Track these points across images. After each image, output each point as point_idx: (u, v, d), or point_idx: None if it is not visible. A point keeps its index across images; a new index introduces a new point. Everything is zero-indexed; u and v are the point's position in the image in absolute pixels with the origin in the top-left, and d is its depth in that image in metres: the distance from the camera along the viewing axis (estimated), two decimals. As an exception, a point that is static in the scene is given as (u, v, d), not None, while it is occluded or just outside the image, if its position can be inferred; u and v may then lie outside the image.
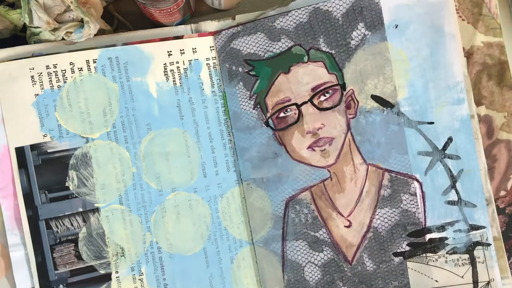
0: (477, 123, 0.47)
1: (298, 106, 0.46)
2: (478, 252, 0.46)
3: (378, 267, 0.46)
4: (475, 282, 0.46)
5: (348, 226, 0.46)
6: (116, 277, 0.46)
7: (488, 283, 0.46)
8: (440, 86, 0.46)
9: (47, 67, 0.45)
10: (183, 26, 0.47)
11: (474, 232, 0.46)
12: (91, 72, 0.46)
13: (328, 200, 0.46)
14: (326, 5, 0.46)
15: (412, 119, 0.46)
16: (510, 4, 0.49)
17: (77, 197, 0.46)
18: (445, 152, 0.46)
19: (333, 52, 0.46)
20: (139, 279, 0.47)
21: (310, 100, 0.46)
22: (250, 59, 0.46)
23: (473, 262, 0.46)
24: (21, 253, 0.46)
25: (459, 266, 0.46)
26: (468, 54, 0.48)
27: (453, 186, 0.46)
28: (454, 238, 0.46)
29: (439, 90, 0.46)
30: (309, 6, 0.46)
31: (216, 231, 0.47)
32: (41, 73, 0.45)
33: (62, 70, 0.46)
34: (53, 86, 0.46)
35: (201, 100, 0.47)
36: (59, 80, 0.46)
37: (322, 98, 0.46)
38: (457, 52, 0.46)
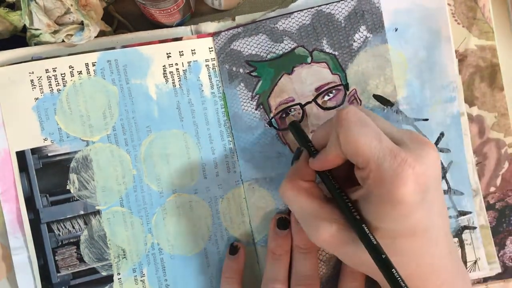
0: (466, 120, 0.48)
1: (302, 106, 0.47)
2: (465, 235, 0.48)
3: None
4: (464, 262, 0.48)
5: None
6: (118, 279, 0.46)
7: (475, 262, 0.48)
8: (435, 86, 0.47)
9: (47, 71, 0.45)
10: (183, 27, 0.47)
11: (462, 217, 0.48)
12: (90, 75, 0.46)
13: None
14: (328, 7, 0.46)
15: (409, 116, 0.47)
16: (509, 10, 0.50)
17: (78, 200, 0.46)
18: (438, 146, 0.47)
19: (336, 53, 0.46)
20: (141, 280, 0.47)
21: (314, 100, 0.47)
22: (252, 60, 0.47)
23: (461, 244, 0.48)
24: (23, 256, 0.46)
25: (450, 249, 0.48)
26: (463, 57, 0.49)
27: (443, 176, 0.48)
28: None
29: (434, 89, 0.47)
30: (311, 8, 0.46)
31: (217, 231, 0.47)
32: (41, 77, 0.45)
33: (61, 74, 0.46)
34: (52, 89, 0.46)
35: (200, 101, 0.47)
36: (58, 83, 0.46)
37: (326, 98, 0.47)
38: (451, 54, 0.48)
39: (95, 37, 0.45)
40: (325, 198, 0.40)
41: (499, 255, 0.49)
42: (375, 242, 0.35)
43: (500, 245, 0.49)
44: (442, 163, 0.48)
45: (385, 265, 0.34)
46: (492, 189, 0.50)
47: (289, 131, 0.46)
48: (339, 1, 0.46)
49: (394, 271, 0.33)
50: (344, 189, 0.39)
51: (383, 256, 0.34)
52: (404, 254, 0.36)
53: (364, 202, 0.36)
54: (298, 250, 0.44)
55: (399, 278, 0.33)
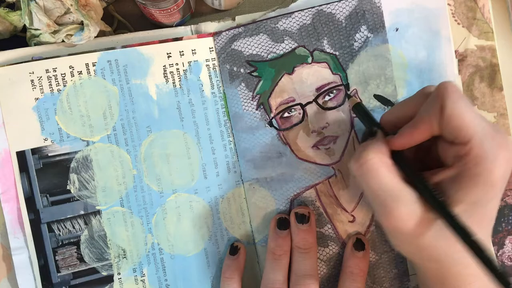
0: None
1: (303, 106, 0.47)
2: None
3: (380, 257, 0.47)
4: None
5: (352, 221, 0.47)
6: (118, 279, 0.46)
7: None
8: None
9: (47, 71, 0.45)
10: (183, 27, 0.47)
11: None
12: (90, 75, 0.46)
13: (332, 196, 0.47)
14: (329, 7, 0.46)
15: (409, 116, 0.48)
16: (509, 10, 0.50)
17: (79, 200, 0.46)
18: None
19: (337, 53, 0.46)
20: (141, 280, 0.47)
21: (315, 100, 0.47)
22: (253, 60, 0.47)
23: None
24: (24, 256, 0.46)
25: (447, 247, 0.48)
26: (463, 57, 0.49)
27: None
28: None
29: (433, 89, 0.48)
30: (312, 8, 0.46)
31: (217, 231, 0.48)
32: (41, 77, 0.45)
33: (61, 74, 0.46)
34: (53, 90, 0.46)
35: (201, 101, 0.47)
36: (59, 83, 0.46)
37: (327, 98, 0.47)
38: (451, 54, 0.48)
39: (95, 37, 0.45)
40: (404, 178, 0.38)
41: (498, 254, 0.49)
42: (462, 225, 0.33)
43: (499, 244, 0.49)
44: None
45: (476, 247, 0.32)
46: (492, 188, 0.50)
47: (289, 131, 0.46)
48: (339, 1, 0.46)
49: (486, 253, 0.32)
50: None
51: (472, 238, 0.33)
52: None
53: (450, 183, 0.35)
54: (298, 250, 0.44)
55: (491, 260, 0.32)
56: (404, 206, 0.35)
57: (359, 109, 0.43)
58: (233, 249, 0.47)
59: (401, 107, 0.40)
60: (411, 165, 0.37)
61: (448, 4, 0.48)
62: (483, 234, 0.35)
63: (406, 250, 0.39)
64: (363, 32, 0.47)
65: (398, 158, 0.38)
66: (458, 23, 0.49)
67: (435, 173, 0.37)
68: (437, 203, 0.35)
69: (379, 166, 0.37)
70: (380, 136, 0.39)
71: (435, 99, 0.35)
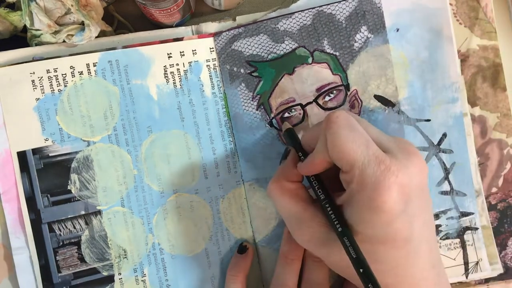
0: (470, 120, 0.48)
1: (303, 106, 0.46)
2: (467, 236, 0.48)
3: None
4: (466, 263, 0.48)
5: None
6: (119, 279, 0.46)
7: (477, 263, 0.48)
8: (437, 86, 0.47)
9: (48, 71, 0.45)
10: (183, 27, 0.47)
11: (464, 218, 0.48)
12: (91, 75, 0.46)
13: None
14: (329, 8, 0.46)
15: (411, 117, 0.47)
16: (510, 10, 0.50)
17: (79, 200, 0.46)
18: (440, 147, 0.47)
19: (337, 54, 0.46)
20: (142, 281, 0.47)
21: (315, 100, 0.46)
22: (253, 60, 0.47)
23: (463, 245, 0.48)
24: (25, 256, 0.46)
25: (452, 249, 0.48)
26: (465, 57, 0.49)
27: (446, 177, 0.47)
28: (447, 225, 0.48)
29: (436, 89, 0.47)
30: (312, 8, 0.46)
31: (218, 232, 0.47)
32: (42, 77, 0.45)
33: (62, 74, 0.46)
34: (53, 90, 0.46)
35: (201, 101, 0.47)
36: (59, 84, 0.46)
37: (327, 98, 0.47)
38: (453, 54, 0.47)
39: (96, 37, 0.45)
40: (310, 199, 0.41)
41: (501, 255, 0.49)
42: (354, 256, 0.35)
43: (501, 245, 0.49)
44: (444, 164, 0.47)
45: (360, 265, 0.34)
46: (494, 189, 0.49)
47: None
48: (340, 2, 0.46)
49: (369, 271, 0.34)
50: (330, 192, 0.39)
51: (356, 256, 0.34)
52: (383, 262, 0.35)
53: (347, 206, 0.37)
54: (312, 258, 0.44)
55: (373, 278, 0.33)
56: (306, 228, 0.39)
57: (289, 135, 0.44)
58: (242, 248, 0.47)
59: (309, 132, 0.41)
60: (317, 190, 0.39)
61: (450, 4, 0.48)
62: (402, 253, 0.35)
63: (330, 266, 0.41)
64: (363, 33, 0.47)
65: (309, 180, 0.40)
66: (460, 23, 0.49)
67: (340, 195, 0.38)
68: (336, 231, 0.37)
69: (280, 195, 0.41)
70: (289, 159, 0.42)
71: (322, 131, 0.37)
